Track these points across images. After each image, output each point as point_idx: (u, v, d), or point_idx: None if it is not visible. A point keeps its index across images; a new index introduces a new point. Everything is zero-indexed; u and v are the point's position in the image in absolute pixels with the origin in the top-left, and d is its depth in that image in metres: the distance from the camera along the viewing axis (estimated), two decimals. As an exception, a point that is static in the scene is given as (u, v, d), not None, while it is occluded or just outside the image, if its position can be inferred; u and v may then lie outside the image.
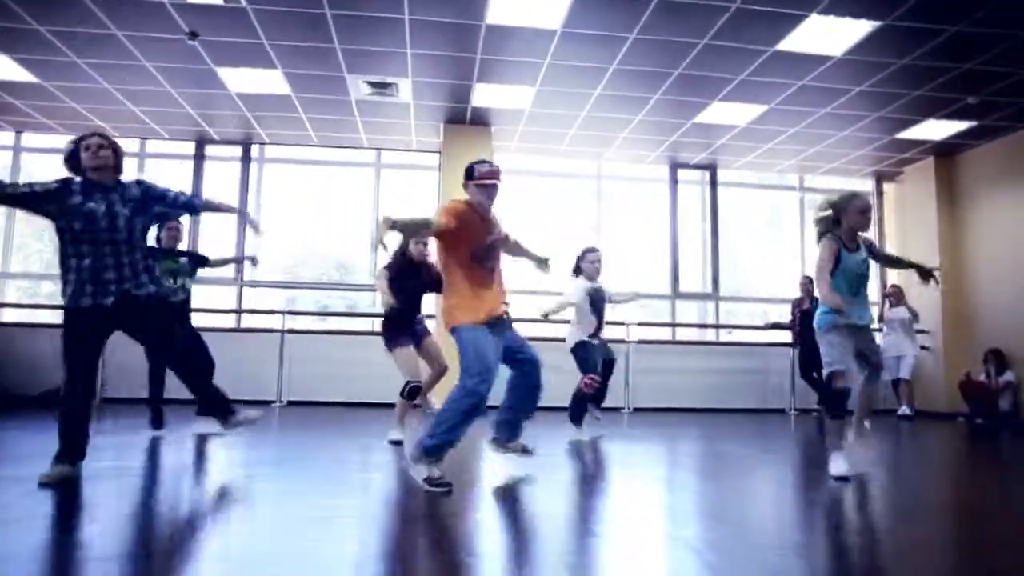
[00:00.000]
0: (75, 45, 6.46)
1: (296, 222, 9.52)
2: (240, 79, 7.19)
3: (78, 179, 3.43)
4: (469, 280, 3.55)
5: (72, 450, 3.36)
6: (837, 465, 3.87)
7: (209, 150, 9.30)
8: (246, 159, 9.31)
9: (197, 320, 8.62)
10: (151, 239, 4.65)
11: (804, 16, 5.77)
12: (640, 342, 9.01)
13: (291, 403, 8.04)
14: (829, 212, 4.07)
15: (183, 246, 5.62)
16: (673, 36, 6.19)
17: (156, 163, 9.41)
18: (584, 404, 5.61)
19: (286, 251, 9.58)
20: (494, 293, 3.61)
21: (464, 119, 8.33)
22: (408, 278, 5.00)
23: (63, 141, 9.02)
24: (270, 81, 7.20)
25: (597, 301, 5.56)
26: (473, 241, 3.54)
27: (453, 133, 8.48)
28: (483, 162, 3.66)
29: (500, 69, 6.91)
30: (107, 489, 3.35)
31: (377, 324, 7.99)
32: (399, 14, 5.84)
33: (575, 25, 6.02)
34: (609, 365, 5.87)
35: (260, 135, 8.95)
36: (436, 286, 4.86)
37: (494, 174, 3.62)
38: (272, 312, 8.55)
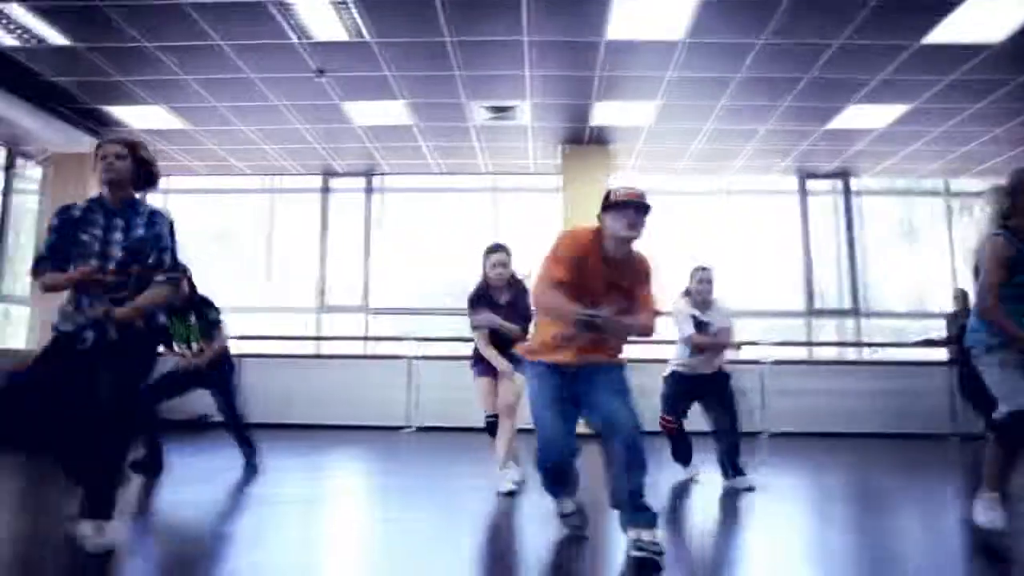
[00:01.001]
0: (217, 91, 6.87)
1: (417, 250, 9.69)
2: (364, 112, 7.41)
3: (78, 207, 2.88)
4: (557, 329, 2.85)
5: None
6: (985, 512, 3.07)
7: (333, 183, 9.67)
8: (369, 190, 9.60)
9: (328, 347, 9.03)
10: None
11: (957, 2, 5.26)
12: (775, 363, 8.48)
13: (420, 429, 8.11)
14: (1005, 202, 3.12)
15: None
16: (805, 38, 5.82)
17: (285, 197, 9.88)
18: (678, 441, 4.72)
19: (408, 279, 9.76)
20: (592, 346, 2.84)
21: (583, 139, 8.21)
22: (487, 306, 4.30)
23: (204, 182, 9.65)
24: (392, 112, 7.38)
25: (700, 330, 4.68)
26: (579, 290, 2.76)
27: (572, 154, 8.38)
28: (624, 187, 2.91)
29: (621, 85, 6.76)
30: (242, 515, 3.40)
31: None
32: (519, 36, 5.82)
33: (700, 35, 5.78)
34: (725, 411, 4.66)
35: (382, 166, 9.21)
36: (520, 310, 4.19)
37: (633, 195, 2.81)
38: (399, 339, 8.70)
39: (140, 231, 2.84)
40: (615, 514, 2.76)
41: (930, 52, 5.98)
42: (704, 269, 4.74)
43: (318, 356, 8.99)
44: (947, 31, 5.64)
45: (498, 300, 4.29)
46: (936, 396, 8.20)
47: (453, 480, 4.77)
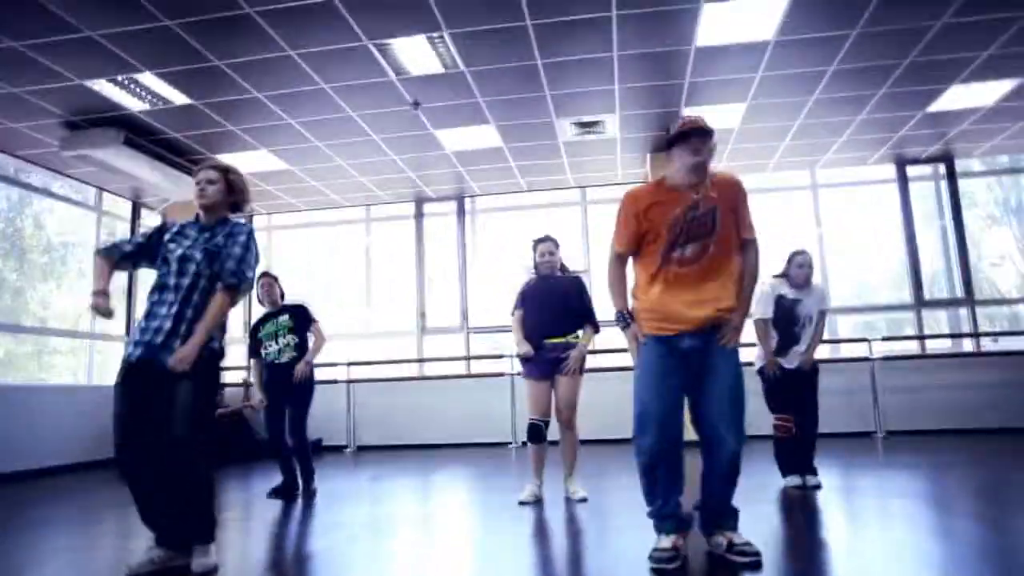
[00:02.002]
0: (318, 131, 7.24)
1: (511, 266, 9.85)
2: (456, 138, 7.64)
3: (177, 223, 3.11)
4: (656, 278, 2.83)
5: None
6: None
7: (426, 208, 9.96)
8: (460, 212, 9.85)
9: (430, 368, 9.26)
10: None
11: (1069, -28, 5.03)
12: (885, 359, 8.20)
13: (523, 444, 8.23)
14: None
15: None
16: (902, 24, 5.67)
17: (378, 225, 10.23)
18: (784, 452, 4.51)
19: (503, 296, 9.92)
20: (693, 295, 2.77)
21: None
22: (535, 296, 4.39)
23: (304, 218, 10.09)
24: (483, 136, 7.58)
25: (785, 311, 4.49)
26: (661, 230, 2.77)
27: (658, 160, 8.38)
28: (683, 119, 2.89)
29: (709, 90, 6.74)
30: (361, 536, 3.55)
31: (612, 359, 7.99)
32: (608, 52, 5.90)
33: (790, 32, 5.72)
34: (806, 405, 4.53)
35: (472, 188, 9.44)
36: (573, 299, 4.31)
37: (691, 122, 2.80)
38: (498, 357, 8.86)
39: (219, 239, 2.99)
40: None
41: (1041, 23, 5.71)
42: (803, 253, 4.55)
43: (422, 378, 9.26)
44: (1060, 0, 5.38)
45: (549, 285, 4.38)
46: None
47: (557, 493, 4.52)
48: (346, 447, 8.75)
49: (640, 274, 2.89)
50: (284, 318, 5.03)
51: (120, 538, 3.66)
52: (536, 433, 4.28)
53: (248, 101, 6.42)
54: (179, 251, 2.95)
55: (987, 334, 8.73)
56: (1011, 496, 4.18)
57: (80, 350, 8.93)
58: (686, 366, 2.77)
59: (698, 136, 2.75)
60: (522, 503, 4.16)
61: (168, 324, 2.85)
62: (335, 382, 8.85)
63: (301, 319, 5.07)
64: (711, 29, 5.63)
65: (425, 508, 4.61)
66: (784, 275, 4.59)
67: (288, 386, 4.89)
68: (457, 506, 4.69)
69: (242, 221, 3.13)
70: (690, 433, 2.83)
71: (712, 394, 2.76)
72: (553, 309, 4.31)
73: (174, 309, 2.87)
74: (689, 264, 2.76)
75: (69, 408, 7.36)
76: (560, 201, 9.70)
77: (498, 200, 9.86)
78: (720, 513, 2.81)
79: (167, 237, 3.02)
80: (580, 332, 4.35)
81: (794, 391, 4.50)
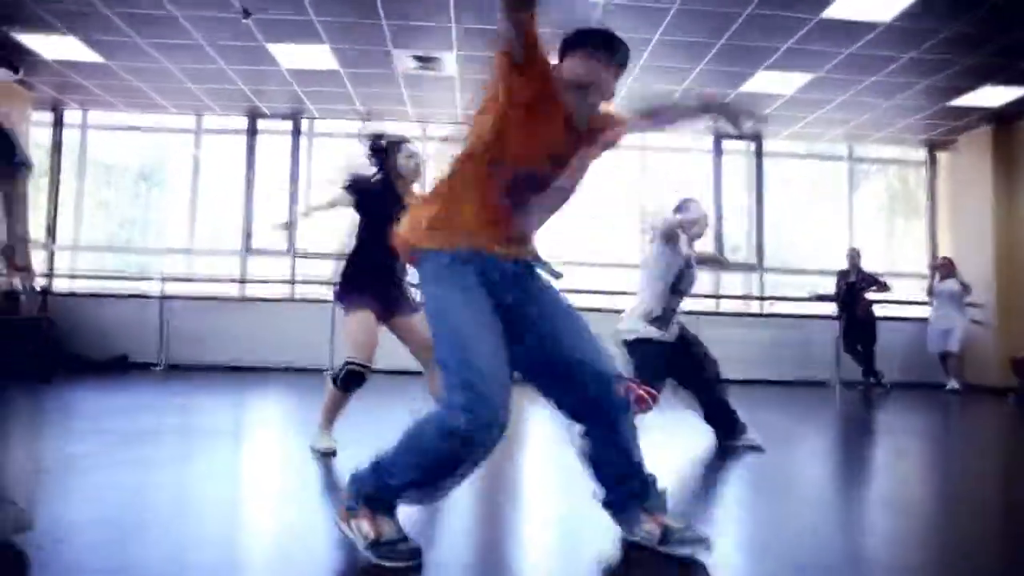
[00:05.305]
0: (139, 26, 6.75)
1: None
2: (290, 55, 7.40)
3: None
4: (476, 187, 1.95)
5: None
6: None
7: (261, 124, 9.60)
8: (296, 133, 9.59)
9: (252, 290, 9.09)
10: None
11: (851, -18, 5.69)
12: (683, 313, 9.03)
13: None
14: None
15: None
16: (715, 7, 6.17)
17: (211, 137, 9.75)
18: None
19: (334, 223, 9.85)
20: (507, 225, 1.99)
21: (509, 91, 8.40)
22: (379, 203, 3.35)
23: (125, 118, 9.44)
24: (318, 56, 7.40)
25: (686, 280, 4.07)
26: (533, 138, 1.90)
27: (496, 106, 8.57)
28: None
29: (546, 39, 6.96)
30: (168, 444, 3.62)
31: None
32: (444, -11, 5.96)
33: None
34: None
35: (310, 110, 9.21)
36: None
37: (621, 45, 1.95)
38: (327, 283, 8.83)
39: None
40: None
41: (830, 25, 6.41)
42: (694, 200, 4.16)
43: (243, 299, 9.07)
44: (843, 8, 6.07)
45: (396, 199, 3.35)
46: (823, 347, 8.92)
47: (363, 414, 4.86)
48: (156, 365, 8.46)
49: (460, 184, 2.04)
50: None
51: None
52: (358, 380, 3.41)
53: (52, -21, 5.87)
54: None
55: (767, 298, 9.86)
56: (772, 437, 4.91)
57: None
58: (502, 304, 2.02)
59: (611, 73, 2.03)
60: (324, 452, 3.40)
61: None
62: (147, 297, 8.50)
63: None
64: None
65: (233, 422, 4.67)
66: (670, 236, 3.99)
67: None
68: (265, 421, 4.80)
69: None
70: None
71: (559, 328, 2.04)
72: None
73: None
74: (516, 211, 2.07)
75: None
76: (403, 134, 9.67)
77: (337, 125, 9.65)
78: (648, 483, 2.01)
79: None
80: None
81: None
